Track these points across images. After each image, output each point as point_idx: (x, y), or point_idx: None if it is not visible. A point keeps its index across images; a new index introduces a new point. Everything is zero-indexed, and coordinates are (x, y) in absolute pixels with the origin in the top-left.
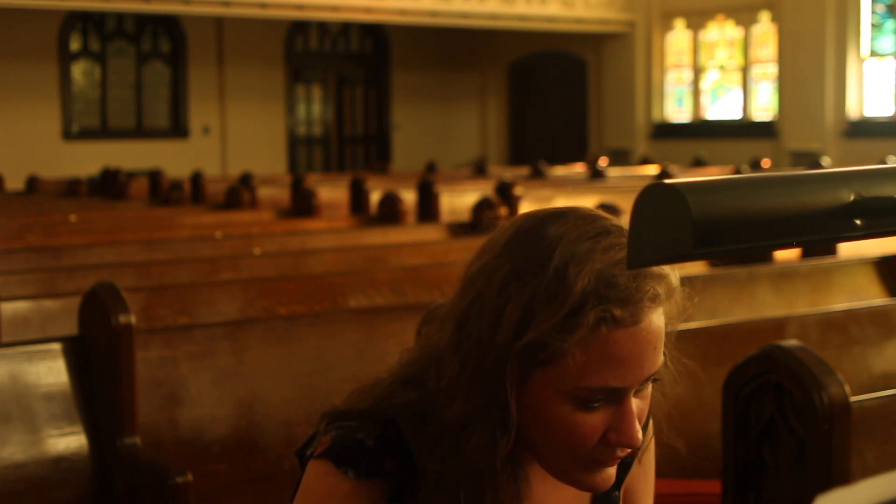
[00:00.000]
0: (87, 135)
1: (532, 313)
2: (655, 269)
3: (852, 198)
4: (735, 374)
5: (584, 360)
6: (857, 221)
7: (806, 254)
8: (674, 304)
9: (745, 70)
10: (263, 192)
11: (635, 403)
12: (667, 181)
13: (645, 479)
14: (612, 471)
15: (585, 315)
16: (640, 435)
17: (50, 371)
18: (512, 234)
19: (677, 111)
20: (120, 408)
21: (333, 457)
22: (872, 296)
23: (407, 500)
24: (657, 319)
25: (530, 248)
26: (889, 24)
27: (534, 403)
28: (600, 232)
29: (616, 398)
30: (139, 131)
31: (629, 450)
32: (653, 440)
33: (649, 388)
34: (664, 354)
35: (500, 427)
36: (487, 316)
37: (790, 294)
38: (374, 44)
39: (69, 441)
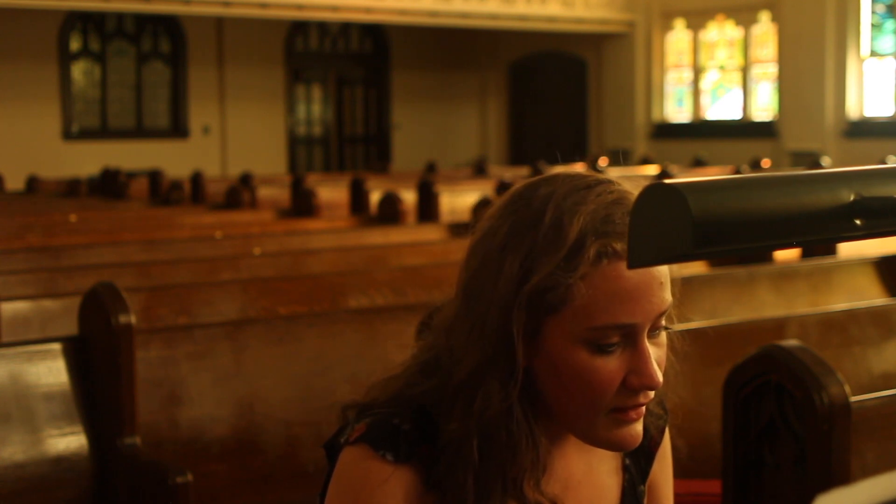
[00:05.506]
0: (87, 135)
1: (533, 262)
2: None
3: (852, 198)
4: (735, 375)
5: (591, 297)
6: (857, 221)
7: (806, 254)
8: None
9: (745, 70)
10: (263, 192)
11: (652, 351)
12: (667, 181)
13: (665, 478)
14: (638, 427)
15: (586, 251)
16: (659, 376)
17: (50, 371)
18: (507, 200)
19: (677, 111)
20: (120, 408)
21: (371, 441)
22: (872, 296)
23: (443, 494)
24: None
25: (525, 208)
26: (889, 24)
27: (550, 356)
28: (590, 184)
29: (630, 339)
30: (139, 131)
31: (651, 393)
32: (669, 439)
33: (663, 336)
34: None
35: (507, 375)
36: (490, 274)
37: (790, 294)
38: (374, 44)
39: (69, 441)
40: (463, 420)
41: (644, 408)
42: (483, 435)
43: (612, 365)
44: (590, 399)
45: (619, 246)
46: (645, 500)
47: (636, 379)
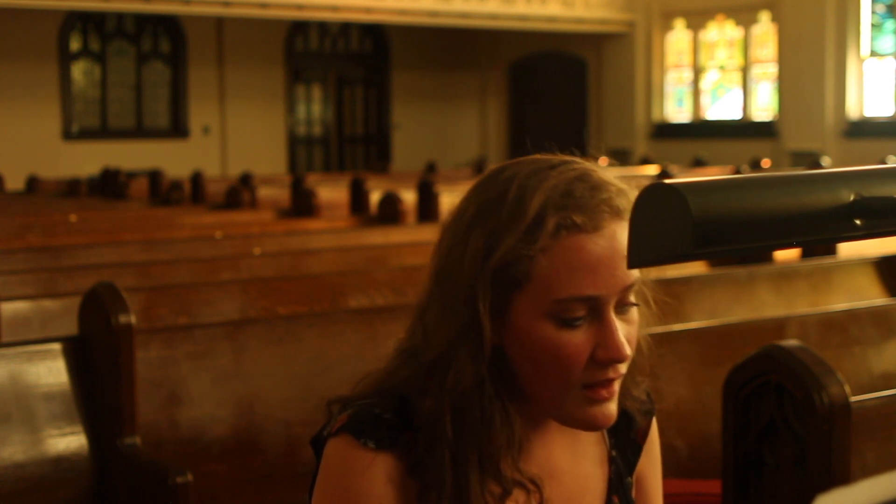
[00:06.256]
0: (87, 135)
1: (496, 238)
2: (613, 183)
3: (852, 198)
4: (735, 374)
5: (553, 269)
6: (857, 221)
7: (806, 254)
8: None
9: (745, 70)
10: (263, 192)
11: (620, 326)
12: (667, 181)
13: (653, 470)
14: (612, 406)
15: (545, 223)
16: (627, 349)
17: (50, 371)
18: (475, 184)
19: (677, 111)
20: (120, 408)
21: (353, 430)
22: (872, 296)
23: (423, 474)
24: (622, 232)
25: (490, 189)
26: (889, 24)
27: (518, 333)
28: (554, 164)
29: (596, 313)
30: (139, 131)
31: (621, 367)
32: (656, 431)
33: (634, 312)
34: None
35: (476, 351)
36: (458, 255)
37: (790, 294)
38: (374, 44)
39: (69, 441)
40: (437, 397)
41: (615, 386)
42: (456, 411)
43: (578, 339)
44: (558, 374)
45: (579, 218)
46: (633, 492)
47: (603, 352)
